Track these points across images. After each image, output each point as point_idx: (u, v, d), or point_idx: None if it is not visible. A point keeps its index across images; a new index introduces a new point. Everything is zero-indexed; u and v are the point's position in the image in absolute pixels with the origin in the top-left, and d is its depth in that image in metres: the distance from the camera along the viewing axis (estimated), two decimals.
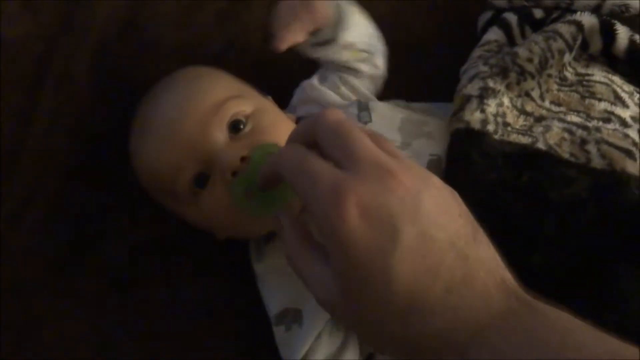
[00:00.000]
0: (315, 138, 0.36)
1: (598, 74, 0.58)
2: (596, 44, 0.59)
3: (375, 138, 0.36)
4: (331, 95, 0.60)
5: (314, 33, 0.57)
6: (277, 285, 0.54)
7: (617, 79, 0.58)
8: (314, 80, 0.61)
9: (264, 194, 0.43)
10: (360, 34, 0.60)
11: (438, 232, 0.32)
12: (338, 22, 0.58)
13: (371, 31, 0.61)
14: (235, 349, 0.57)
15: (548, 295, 0.48)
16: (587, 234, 0.48)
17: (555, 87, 0.57)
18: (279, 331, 0.53)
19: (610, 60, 0.60)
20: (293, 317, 0.52)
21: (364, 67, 0.60)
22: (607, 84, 0.57)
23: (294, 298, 0.52)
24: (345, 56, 0.59)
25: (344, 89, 0.60)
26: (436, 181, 0.35)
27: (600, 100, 0.55)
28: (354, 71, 0.60)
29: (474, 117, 0.53)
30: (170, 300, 0.58)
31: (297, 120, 0.58)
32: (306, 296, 0.50)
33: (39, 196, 0.59)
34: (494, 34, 0.61)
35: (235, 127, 0.51)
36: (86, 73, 0.61)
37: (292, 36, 0.54)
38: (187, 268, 0.59)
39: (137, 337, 0.56)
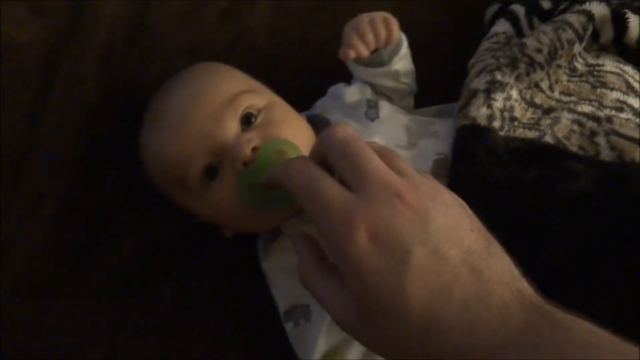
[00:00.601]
0: (325, 155, 0.36)
1: (609, 64, 0.57)
2: (607, 34, 0.58)
3: (384, 154, 0.36)
4: (347, 90, 0.60)
5: (374, 51, 0.58)
6: (283, 283, 0.54)
7: (629, 69, 0.56)
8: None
9: (267, 189, 0.43)
10: (406, 67, 0.61)
11: (449, 250, 0.32)
12: (395, 49, 0.59)
13: (413, 68, 0.62)
14: (245, 346, 0.57)
15: (557, 292, 0.47)
16: (594, 228, 0.47)
17: (564, 77, 0.56)
18: (288, 328, 0.53)
19: (621, 50, 0.58)
20: (300, 312, 0.52)
21: (397, 98, 0.61)
22: (618, 74, 0.56)
23: (302, 294, 0.51)
24: (387, 83, 0.60)
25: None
26: (446, 197, 0.35)
27: (612, 89, 0.54)
28: (388, 98, 0.61)
29: (480, 112, 0.52)
30: (180, 299, 0.58)
31: (307, 119, 0.58)
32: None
33: (49, 197, 0.59)
34: (502, 26, 0.61)
35: (247, 120, 0.51)
36: (93, 75, 0.61)
37: (357, 51, 0.56)
38: (196, 267, 0.59)
39: (146, 336, 0.56)
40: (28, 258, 0.57)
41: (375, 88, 0.61)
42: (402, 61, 0.60)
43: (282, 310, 0.53)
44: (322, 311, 0.49)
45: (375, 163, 0.34)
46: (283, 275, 0.54)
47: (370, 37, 0.56)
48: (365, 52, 0.56)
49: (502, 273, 0.33)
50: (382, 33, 0.56)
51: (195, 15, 0.65)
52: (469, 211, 0.35)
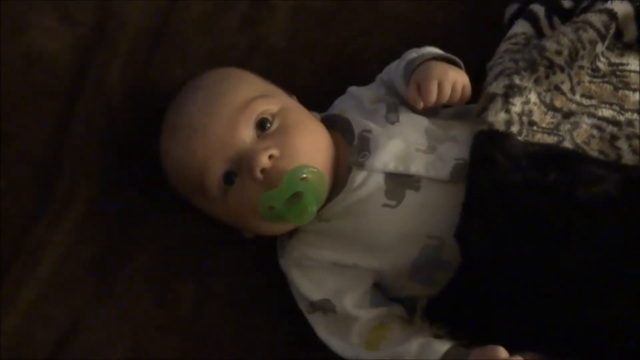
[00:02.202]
0: None
1: (633, 63, 0.56)
2: (631, 32, 0.57)
3: None
4: (366, 92, 0.60)
5: None
6: (300, 279, 0.55)
7: None
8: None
9: (287, 208, 0.49)
10: None
11: None
12: None
13: None
14: (266, 343, 0.58)
15: (581, 298, 0.47)
16: (619, 233, 0.47)
17: (587, 79, 0.55)
18: (317, 317, 0.54)
19: None
20: (323, 306, 0.54)
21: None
22: None
23: (317, 289, 0.54)
24: None
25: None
26: None
27: (634, 91, 0.54)
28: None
29: (497, 118, 0.52)
30: (201, 297, 0.60)
31: (324, 120, 0.59)
32: (328, 284, 0.53)
33: (77, 200, 0.61)
34: (521, 27, 0.60)
35: (262, 125, 0.53)
36: (118, 81, 0.63)
37: (429, 105, 0.55)
38: (217, 267, 0.61)
39: (169, 333, 0.59)
40: (56, 259, 0.59)
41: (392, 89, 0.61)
42: None
43: (304, 304, 0.55)
44: (343, 298, 0.52)
45: None
46: (298, 270, 0.55)
47: (444, 100, 0.54)
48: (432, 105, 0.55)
49: None
50: (456, 99, 0.54)
51: (216, 21, 0.66)
52: None
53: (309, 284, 0.55)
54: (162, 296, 0.60)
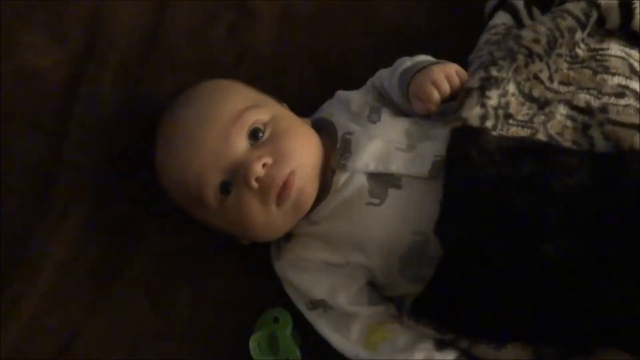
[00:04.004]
0: None
1: (614, 48, 0.56)
2: (614, 20, 0.57)
3: None
4: (355, 96, 0.61)
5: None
6: (296, 279, 0.56)
7: (634, 52, 0.55)
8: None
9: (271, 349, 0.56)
10: None
11: None
12: None
13: None
14: None
15: (569, 283, 0.47)
16: (594, 221, 0.47)
17: (565, 66, 0.55)
18: (316, 315, 0.55)
19: (629, 36, 0.57)
20: (322, 304, 0.55)
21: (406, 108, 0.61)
22: (623, 58, 0.55)
23: (312, 289, 0.55)
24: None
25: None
26: None
27: (614, 74, 0.54)
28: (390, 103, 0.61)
29: (472, 113, 0.51)
30: (197, 303, 0.61)
31: (313, 124, 0.60)
32: (322, 284, 0.54)
33: (74, 211, 0.63)
34: (501, 18, 0.60)
35: (254, 135, 0.54)
36: (110, 94, 0.65)
37: (437, 104, 0.55)
38: (211, 273, 0.62)
39: (165, 339, 0.60)
40: (55, 270, 0.61)
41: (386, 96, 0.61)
42: None
43: (302, 304, 0.56)
44: (337, 297, 0.54)
45: None
46: (294, 272, 0.56)
47: (447, 92, 0.54)
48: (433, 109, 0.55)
49: None
50: (457, 86, 0.54)
51: (204, 32, 0.68)
52: None
53: (304, 285, 0.56)
54: (159, 303, 0.61)
